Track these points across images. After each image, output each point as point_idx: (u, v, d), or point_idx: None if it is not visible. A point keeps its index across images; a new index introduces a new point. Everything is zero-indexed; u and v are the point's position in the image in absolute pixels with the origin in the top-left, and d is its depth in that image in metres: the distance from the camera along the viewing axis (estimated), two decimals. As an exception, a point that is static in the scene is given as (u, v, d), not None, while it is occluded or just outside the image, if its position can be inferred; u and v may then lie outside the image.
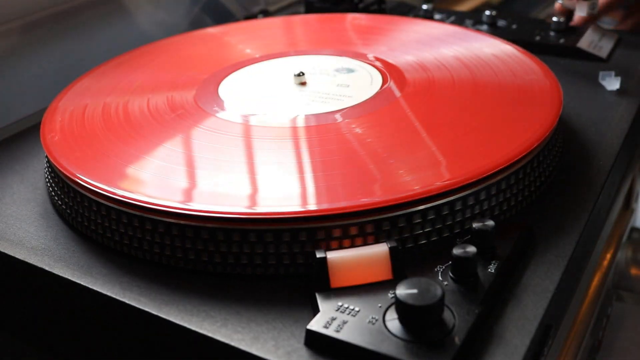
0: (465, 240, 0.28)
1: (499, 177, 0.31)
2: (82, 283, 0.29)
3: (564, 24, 0.52)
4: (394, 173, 0.31)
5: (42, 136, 0.37)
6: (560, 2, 0.55)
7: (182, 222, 0.29)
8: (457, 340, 0.24)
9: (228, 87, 0.41)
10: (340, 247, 0.28)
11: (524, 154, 0.32)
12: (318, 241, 0.28)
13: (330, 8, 0.60)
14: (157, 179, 0.32)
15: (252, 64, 0.44)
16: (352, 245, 0.28)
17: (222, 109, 0.38)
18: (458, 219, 0.30)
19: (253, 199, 0.30)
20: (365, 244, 0.28)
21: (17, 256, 0.32)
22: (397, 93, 0.38)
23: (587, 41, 0.51)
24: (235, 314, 0.27)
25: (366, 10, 0.60)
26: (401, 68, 0.42)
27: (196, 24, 0.64)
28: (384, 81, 0.40)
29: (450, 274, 0.27)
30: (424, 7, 0.58)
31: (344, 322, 0.25)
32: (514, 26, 0.54)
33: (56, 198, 0.35)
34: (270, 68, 0.44)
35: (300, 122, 0.36)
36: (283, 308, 0.27)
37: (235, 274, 0.29)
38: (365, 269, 0.27)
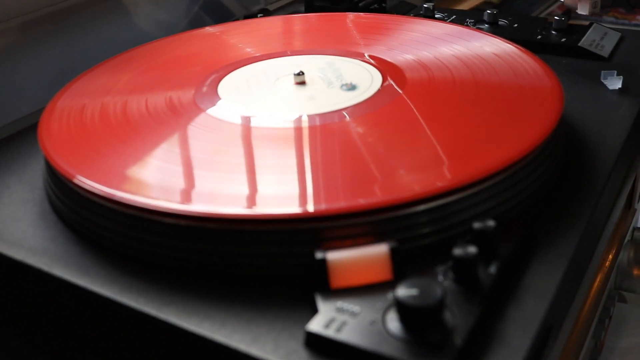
0: (465, 240, 0.28)
1: (500, 177, 0.31)
2: (80, 283, 0.29)
3: (566, 23, 0.52)
4: (394, 173, 0.30)
5: (39, 136, 0.36)
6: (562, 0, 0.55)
7: (181, 222, 0.29)
8: (457, 341, 0.24)
9: (227, 87, 0.41)
10: (340, 248, 0.28)
11: (525, 154, 0.31)
12: (318, 242, 0.28)
13: (331, 7, 0.60)
14: (156, 179, 0.32)
15: (252, 63, 0.44)
16: (352, 246, 0.28)
17: (221, 108, 0.38)
18: (458, 219, 0.30)
19: (252, 199, 0.30)
20: (365, 244, 0.28)
21: (15, 257, 0.31)
22: (397, 92, 0.38)
23: (589, 40, 0.50)
24: (235, 315, 0.27)
25: (366, 9, 0.60)
26: (401, 67, 0.41)
27: (196, 23, 0.64)
28: (384, 80, 0.40)
29: (451, 275, 0.27)
30: (425, 6, 0.58)
31: (344, 323, 0.25)
32: (515, 25, 0.54)
33: (54, 198, 0.34)
34: (270, 67, 0.44)
35: (300, 122, 0.36)
36: (283, 309, 0.27)
37: (235, 274, 0.29)
38: (365, 269, 0.27)
